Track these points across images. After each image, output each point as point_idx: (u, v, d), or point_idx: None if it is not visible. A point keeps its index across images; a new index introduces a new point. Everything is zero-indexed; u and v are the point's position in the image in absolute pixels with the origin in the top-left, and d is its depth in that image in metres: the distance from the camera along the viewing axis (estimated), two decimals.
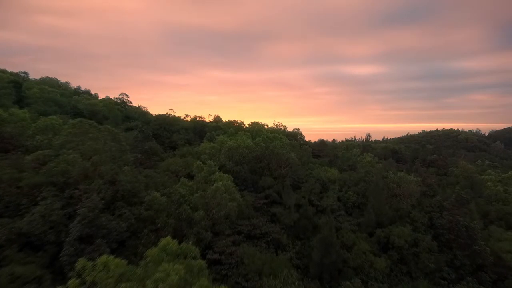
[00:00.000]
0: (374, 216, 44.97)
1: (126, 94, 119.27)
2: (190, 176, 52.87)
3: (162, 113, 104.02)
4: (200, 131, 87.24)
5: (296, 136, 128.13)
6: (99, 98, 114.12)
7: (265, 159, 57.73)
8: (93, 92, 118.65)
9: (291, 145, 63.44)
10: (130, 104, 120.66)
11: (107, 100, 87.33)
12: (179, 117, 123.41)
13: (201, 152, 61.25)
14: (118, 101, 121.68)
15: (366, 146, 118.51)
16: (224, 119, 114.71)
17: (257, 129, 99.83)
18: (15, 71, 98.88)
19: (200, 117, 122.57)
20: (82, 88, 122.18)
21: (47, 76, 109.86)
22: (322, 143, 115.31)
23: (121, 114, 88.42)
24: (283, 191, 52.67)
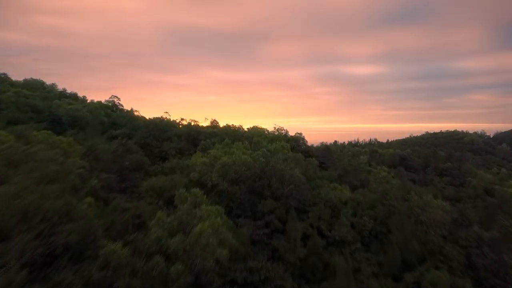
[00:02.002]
0: (399, 252, 36.02)
1: (117, 97, 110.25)
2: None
3: (159, 115, 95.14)
4: (194, 138, 78.17)
5: (298, 140, 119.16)
6: (88, 101, 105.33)
7: (265, 177, 48.78)
8: (82, 94, 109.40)
9: (294, 158, 54.40)
10: (121, 107, 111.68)
11: (93, 104, 78.35)
12: (173, 121, 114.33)
13: (192, 166, 52.28)
14: (110, 103, 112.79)
15: (373, 152, 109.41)
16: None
17: (256, 135, 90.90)
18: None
19: (195, 121, 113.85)
20: (76, 90, 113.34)
21: (31, 78, 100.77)
22: (326, 149, 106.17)
23: (108, 120, 79.30)
24: (287, 217, 43.89)
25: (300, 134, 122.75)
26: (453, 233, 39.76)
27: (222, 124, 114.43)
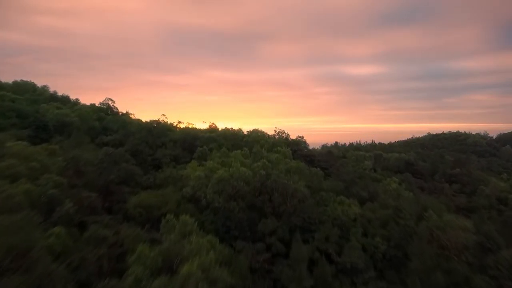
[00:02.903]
0: (420, 285, 31.10)
1: (111, 99, 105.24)
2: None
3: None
4: (190, 145, 73.20)
5: (299, 144, 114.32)
6: (81, 104, 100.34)
7: (266, 191, 43.91)
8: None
9: (298, 169, 49.43)
10: (115, 110, 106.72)
11: (83, 108, 73.29)
12: (170, 125, 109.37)
13: (185, 178, 47.33)
14: (104, 106, 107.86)
15: (377, 156, 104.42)
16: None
17: (256, 141, 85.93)
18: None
19: (193, 124, 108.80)
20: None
21: (22, 79, 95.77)
22: (329, 154, 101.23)
23: (99, 124, 74.33)
24: (290, 238, 39.05)
25: (302, 137, 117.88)
26: (479, 259, 34.79)
27: (221, 125, 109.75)
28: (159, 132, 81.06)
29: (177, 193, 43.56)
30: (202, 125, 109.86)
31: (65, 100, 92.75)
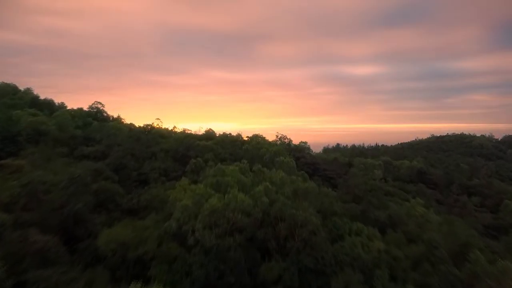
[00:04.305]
0: None
1: (100, 103, 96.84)
2: (143, 263, 30.66)
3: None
4: (183, 155, 64.58)
5: (303, 150, 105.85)
6: (66, 109, 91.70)
7: (269, 223, 35.36)
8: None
9: (305, 191, 40.84)
10: (105, 114, 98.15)
11: (63, 115, 64.46)
12: (165, 130, 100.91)
13: (172, 202, 38.66)
14: (93, 110, 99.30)
15: (387, 164, 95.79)
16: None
17: (257, 148, 77.35)
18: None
19: (189, 130, 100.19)
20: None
21: (3, 82, 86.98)
22: (335, 162, 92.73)
23: (82, 133, 65.63)
24: (300, 284, 30.66)
25: (305, 143, 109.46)
26: None
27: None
28: (149, 140, 72.54)
29: (160, 224, 34.95)
30: (201, 126, 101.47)
31: (48, 104, 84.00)
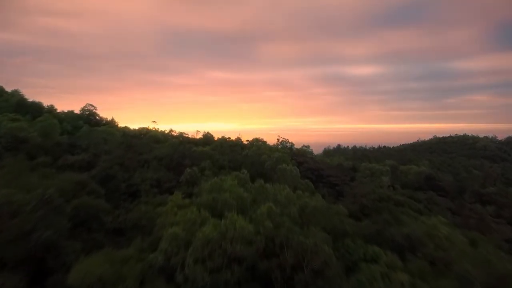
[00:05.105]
0: None
1: (92, 105, 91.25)
2: None
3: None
4: (177, 164, 59.12)
5: (306, 154, 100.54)
6: (58, 111, 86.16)
7: (273, 252, 29.93)
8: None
9: (314, 210, 35.45)
10: (97, 117, 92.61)
11: (46, 120, 58.72)
12: (161, 133, 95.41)
13: (161, 225, 33.26)
14: (86, 113, 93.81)
15: (394, 170, 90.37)
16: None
17: (258, 154, 71.93)
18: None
19: (186, 134, 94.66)
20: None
21: None
22: (340, 168, 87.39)
23: (69, 140, 60.05)
24: None
25: (308, 147, 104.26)
26: None
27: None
28: (143, 146, 67.05)
29: (145, 254, 29.47)
30: (198, 130, 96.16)
31: (35, 107, 78.34)
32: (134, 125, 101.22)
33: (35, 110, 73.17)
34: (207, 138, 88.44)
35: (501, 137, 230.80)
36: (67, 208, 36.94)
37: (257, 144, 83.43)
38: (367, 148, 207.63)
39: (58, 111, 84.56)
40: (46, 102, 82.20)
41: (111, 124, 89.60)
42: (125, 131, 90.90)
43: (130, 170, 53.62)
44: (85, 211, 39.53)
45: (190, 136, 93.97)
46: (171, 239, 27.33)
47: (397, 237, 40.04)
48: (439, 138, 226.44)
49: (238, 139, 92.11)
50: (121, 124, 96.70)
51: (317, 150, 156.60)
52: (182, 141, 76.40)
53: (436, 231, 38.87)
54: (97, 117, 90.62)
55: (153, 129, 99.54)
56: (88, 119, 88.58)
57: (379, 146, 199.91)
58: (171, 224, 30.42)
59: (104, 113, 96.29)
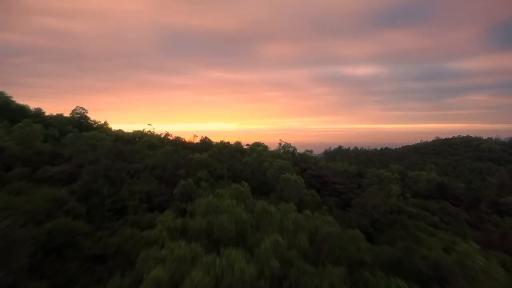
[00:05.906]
0: None
1: (83, 108, 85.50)
2: None
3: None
4: (171, 174, 53.38)
5: (309, 159, 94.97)
6: (46, 115, 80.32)
7: None
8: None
9: (327, 235, 29.81)
10: (90, 121, 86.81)
11: (25, 126, 52.82)
12: (157, 137, 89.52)
13: (143, 263, 27.66)
14: (76, 116, 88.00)
15: (402, 175, 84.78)
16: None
17: (258, 162, 66.33)
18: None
19: (183, 139, 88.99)
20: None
21: None
22: (345, 174, 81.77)
23: (50, 148, 54.27)
24: None
25: (311, 151, 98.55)
26: None
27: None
28: (133, 154, 61.29)
29: None
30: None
31: (20, 111, 72.49)
32: (134, 126, 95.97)
33: (19, 115, 67.38)
34: (205, 143, 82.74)
35: (501, 137, 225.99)
36: (40, 233, 31.37)
37: (258, 150, 77.77)
38: (369, 149, 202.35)
39: (46, 114, 79.07)
40: (45, 103, 77.34)
41: (103, 128, 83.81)
42: (118, 135, 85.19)
43: (118, 183, 47.91)
44: (60, 235, 33.79)
45: (187, 140, 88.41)
46: (152, 285, 21.71)
47: (423, 266, 34.38)
48: (443, 140, 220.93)
49: (238, 144, 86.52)
50: (120, 125, 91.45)
51: (317, 151, 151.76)
52: (177, 147, 70.69)
53: (469, 260, 33.23)
54: (89, 121, 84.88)
55: (149, 133, 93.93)
56: (78, 123, 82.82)
57: (381, 148, 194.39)
58: (156, 260, 24.85)
59: (104, 114, 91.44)
